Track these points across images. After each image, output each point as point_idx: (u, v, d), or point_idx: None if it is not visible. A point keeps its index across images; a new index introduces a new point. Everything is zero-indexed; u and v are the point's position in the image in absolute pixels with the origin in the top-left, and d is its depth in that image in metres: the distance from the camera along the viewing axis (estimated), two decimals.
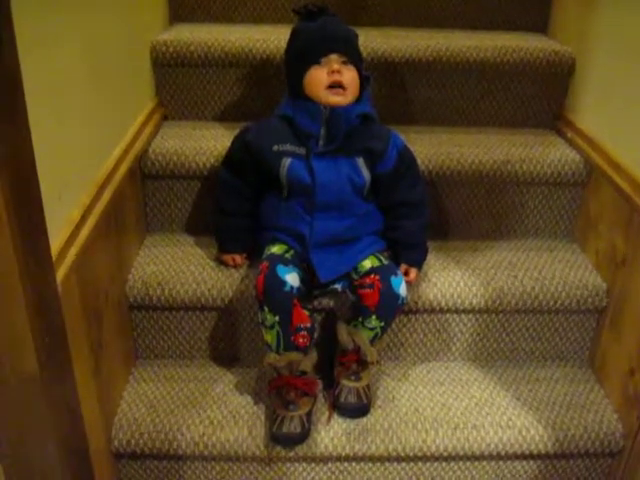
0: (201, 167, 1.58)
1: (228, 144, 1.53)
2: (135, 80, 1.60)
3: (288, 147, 1.40)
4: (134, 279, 1.48)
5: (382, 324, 1.37)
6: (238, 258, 1.51)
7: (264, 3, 1.91)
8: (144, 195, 1.63)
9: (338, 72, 1.36)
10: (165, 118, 1.77)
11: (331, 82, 1.36)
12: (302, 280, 1.37)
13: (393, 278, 1.36)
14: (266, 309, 1.32)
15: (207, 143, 1.62)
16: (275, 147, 1.40)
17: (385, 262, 1.40)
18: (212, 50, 1.69)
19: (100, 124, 1.32)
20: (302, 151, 1.39)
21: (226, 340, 1.55)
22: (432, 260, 1.58)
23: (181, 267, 1.53)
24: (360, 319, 1.37)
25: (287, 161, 1.39)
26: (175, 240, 1.65)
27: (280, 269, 1.32)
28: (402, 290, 1.36)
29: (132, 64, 1.57)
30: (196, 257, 1.58)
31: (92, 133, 1.27)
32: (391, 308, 1.38)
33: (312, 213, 1.40)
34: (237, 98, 1.75)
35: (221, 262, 1.53)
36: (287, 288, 1.31)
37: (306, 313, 1.36)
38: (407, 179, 1.45)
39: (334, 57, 1.37)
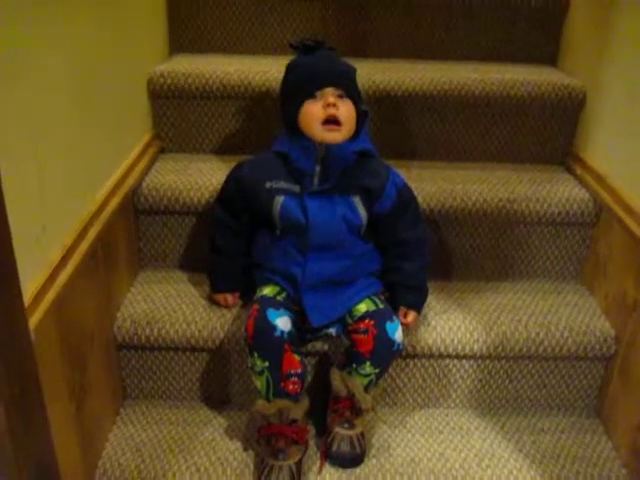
0: (196, 203, 1.54)
1: (224, 178, 1.48)
2: (130, 113, 1.56)
3: (282, 184, 1.36)
4: (123, 318, 1.44)
5: (377, 371, 1.32)
6: (230, 298, 1.46)
7: (266, 34, 1.87)
8: (138, 230, 1.59)
9: (334, 105, 1.32)
10: (162, 150, 1.73)
11: (327, 116, 1.32)
12: (294, 324, 1.32)
13: (388, 324, 1.30)
14: (255, 354, 1.27)
15: (203, 178, 1.58)
16: (268, 184, 1.36)
17: (381, 306, 1.34)
18: (210, 82, 1.65)
19: (88, 160, 1.28)
20: (296, 189, 1.35)
21: (217, 382, 1.49)
22: (432, 302, 1.52)
23: (172, 306, 1.48)
24: (354, 365, 1.32)
25: (280, 199, 1.34)
26: (168, 277, 1.60)
27: (270, 313, 1.28)
28: (398, 336, 1.31)
29: (127, 96, 1.54)
30: (188, 295, 1.53)
31: (78, 170, 1.23)
32: (386, 355, 1.32)
33: (305, 254, 1.35)
34: (235, 131, 1.71)
35: (213, 301, 1.48)
36: (277, 333, 1.26)
37: (297, 358, 1.31)
38: (407, 218, 1.40)
39: (330, 90, 1.33)
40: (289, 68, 1.41)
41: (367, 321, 1.31)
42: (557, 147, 1.75)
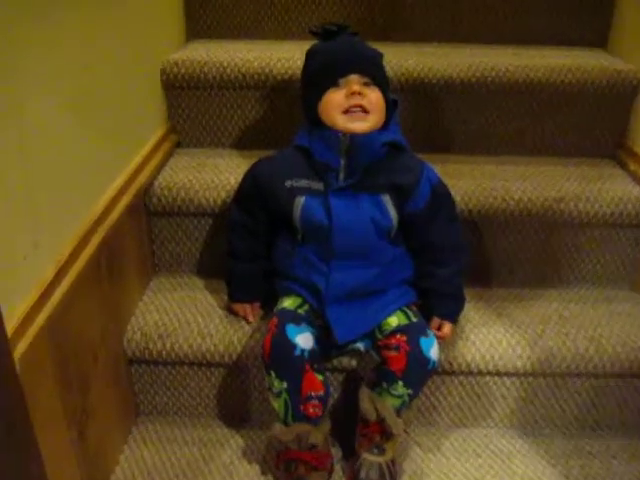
0: (212, 203, 1.42)
1: (241, 175, 1.37)
2: (142, 105, 1.44)
3: (303, 183, 1.23)
4: (133, 330, 1.33)
5: (410, 391, 1.19)
6: (249, 308, 1.34)
7: (289, 18, 1.74)
8: (150, 233, 1.47)
9: (359, 94, 1.19)
10: (178, 144, 1.60)
11: (350, 106, 1.19)
12: (317, 340, 1.20)
13: (423, 339, 1.17)
14: (273, 374, 1.16)
15: (220, 176, 1.46)
16: (288, 182, 1.23)
17: (414, 319, 1.21)
18: (228, 71, 1.52)
19: (92, 160, 1.17)
20: (319, 187, 1.22)
21: (234, 399, 1.37)
22: (470, 312, 1.38)
23: (187, 316, 1.37)
24: (385, 385, 1.19)
25: (301, 200, 1.22)
26: (183, 283, 1.49)
27: (290, 329, 1.16)
28: (433, 353, 1.18)
29: (138, 88, 1.42)
30: (204, 305, 1.41)
31: (76, 172, 1.11)
32: (420, 374, 1.19)
33: (329, 262, 1.22)
34: (256, 123, 1.58)
35: (231, 312, 1.35)
36: (297, 352, 1.14)
37: (319, 379, 1.19)
38: (442, 219, 1.27)
39: (354, 78, 1.21)
40: (309, 54, 1.29)
41: (399, 336, 1.18)
42: (608, 139, 1.60)
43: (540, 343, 1.32)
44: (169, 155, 1.55)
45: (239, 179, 1.37)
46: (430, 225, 1.26)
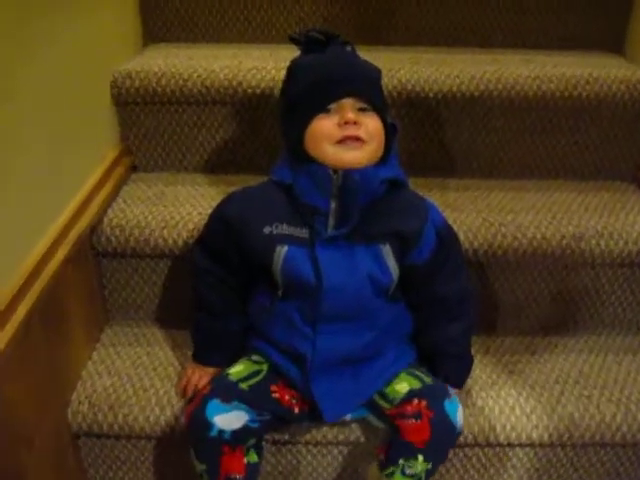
0: (171, 244, 1.19)
1: (208, 210, 1.16)
2: (88, 126, 1.22)
3: (285, 229, 1.02)
4: (79, 400, 1.12)
5: (429, 466, 0.98)
6: (205, 377, 1.11)
7: (262, 19, 1.50)
8: (100, 277, 1.25)
9: (354, 123, 0.98)
10: (135, 168, 1.37)
11: (344, 137, 0.98)
12: (261, 421, 1.01)
13: (447, 402, 0.98)
14: (192, 453, 0.99)
15: (181, 209, 1.24)
16: (267, 229, 1.02)
17: (427, 380, 1.02)
18: (190, 84, 1.29)
19: (21, 203, 0.95)
20: (304, 234, 1.01)
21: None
22: (477, 368, 1.19)
23: (143, 381, 1.16)
24: (401, 461, 0.98)
25: (282, 250, 1.01)
26: (140, 335, 1.27)
27: (212, 406, 0.97)
28: (460, 418, 0.99)
29: (83, 105, 1.19)
30: (164, 364, 1.20)
31: (3, 223, 0.91)
32: (446, 444, 1.01)
33: (315, 325, 1.02)
34: (224, 143, 1.36)
35: (189, 375, 1.14)
36: (214, 433, 0.97)
37: (245, 461, 1.00)
38: (447, 269, 1.07)
39: (349, 102, 0.99)
40: (291, 71, 1.07)
41: (416, 402, 0.98)
42: (628, 160, 1.40)
43: (559, 409, 1.13)
44: (122, 183, 1.32)
45: (204, 214, 1.18)
46: (434, 276, 1.06)
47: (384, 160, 1.03)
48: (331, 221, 1.00)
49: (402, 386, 1.02)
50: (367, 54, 1.33)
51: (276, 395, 1.03)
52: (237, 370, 1.04)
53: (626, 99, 1.33)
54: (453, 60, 1.40)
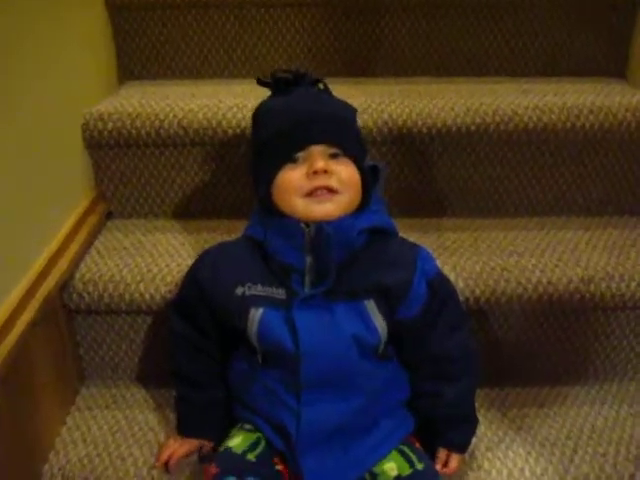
0: (148, 299, 1.10)
1: (188, 261, 1.09)
2: (57, 173, 1.13)
3: (259, 289, 0.93)
4: (52, 472, 1.04)
5: None
6: (185, 446, 1.02)
7: (242, 51, 1.42)
8: (73, 335, 1.16)
9: (324, 172, 0.89)
10: (109, 214, 1.28)
11: (313, 188, 0.90)
12: None
13: None
14: None
15: (159, 260, 1.15)
16: (239, 289, 0.94)
17: (419, 466, 0.93)
18: (166, 125, 1.21)
19: None
20: (281, 295, 0.93)
21: None
22: (482, 425, 1.09)
23: (121, 448, 1.07)
24: None
25: (258, 313, 0.92)
26: (119, 396, 1.18)
27: None
28: None
29: (51, 149, 1.11)
30: (144, 429, 1.12)
31: None
32: None
33: (299, 394, 0.92)
34: (203, 187, 1.28)
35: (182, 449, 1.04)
36: None
37: None
38: (443, 323, 0.97)
39: (318, 149, 0.91)
40: (256, 117, 0.99)
41: None
42: (638, 193, 1.30)
43: (572, 470, 1.04)
44: (96, 232, 1.24)
45: (183, 265, 1.11)
46: (429, 332, 0.97)
47: (363, 208, 0.94)
48: (308, 279, 0.92)
49: (390, 467, 0.93)
50: (354, 87, 1.27)
51: (279, 468, 0.94)
52: (237, 443, 0.95)
53: (632, 128, 1.25)
54: (447, 91, 1.31)
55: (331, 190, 0.91)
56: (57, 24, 1.12)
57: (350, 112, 0.98)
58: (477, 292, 1.11)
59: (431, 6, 1.39)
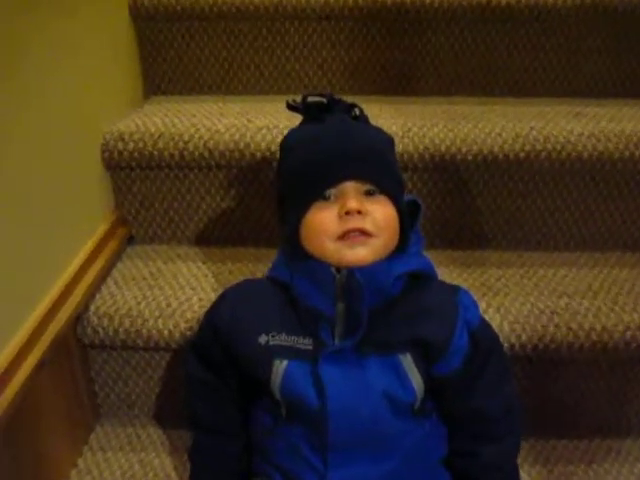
0: (167, 336, 1.02)
1: (211, 294, 1.03)
2: (74, 196, 1.06)
3: (284, 339, 0.85)
4: None
5: None
6: None
7: (274, 67, 1.34)
8: (87, 370, 1.09)
9: (358, 212, 0.80)
10: (131, 239, 1.20)
11: (346, 231, 0.80)
12: None
13: None
14: None
15: (179, 293, 1.08)
16: (262, 338, 0.85)
17: None
18: (191, 146, 1.13)
19: None
20: (307, 345, 0.84)
21: None
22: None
23: None
24: None
25: (282, 365, 0.84)
26: (134, 436, 1.11)
27: None
28: None
29: (69, 169, 1.04)
30: (159, 475, 1.05)
31: None
32: None
33: (325, 455, 0.84)
34: (230, 212, 1.20)
35: None
36: None
37: None
38: (486, 379, 0.87)
39: (351, 186, 0.82)
40: (283, 148, 0.90)
41: None
42: None
43: None
44: (115, 258, 1.16)
45: (205, 300, 1.05)
46: (470, 389, 0.87)
47: (401, 250, 0.85)
48: (339, 329, 0.83)
49: None
50: (393, 107, 1.18)
51: None
52: None
53: None
54: (493, 114, 1.22)
55: (365, 233, 0.81)
56: (77, 34, 1.05)
57: (387, 143, 0.90)
58: (524, 338, 1.01)
59: (477, 20, 1.29)
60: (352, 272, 0.81)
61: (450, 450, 0.92)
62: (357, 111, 0.91)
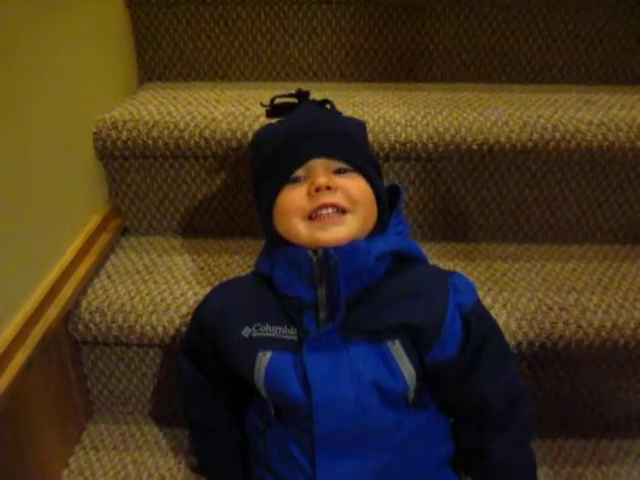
0: (160, 332, 0.99)
1: (207, 289, 0.99)
2: (65, 186, 1.02)
3: (267, 330, 0.82)
4: None
5: None
6: None
7: (272, 52, 1.29)
8: (80, 366, 1.05)
9: (328, 188, 0.77)
10: (125, 230, 1.16)
11: (316, 207, 0.78)
12: None
13: None
14: None
15: (174, 287, 1.04)
16: (246, 330, 0.82)
17: None
18: (186, 135, 1.08)
19: None
20: (292, 335, 0.81)
21: None
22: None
23: None
24: None
25: (265, 357, 0.81)
26: (128, 434, 1.07)
27: None
28: None
29: (59, 158, 1.00)
30: (153, 476, 1.00)
31: None
32: None
33: (313, 452, 0.80)
34: (227, 203, 1.16)
35: None
36: None
37: None
38: (485, 363, 0.82)
39: (319, 163, 0.80)
40: (254, 143, 0.89)
41: None
42: None
43: None
44: (108, 250, 1.12)
45: (200, 294, 1.01)
46: (468, 376, 0.82)
47: (381, 231, 0.82)
48: (322, 315, 0.80)
49: None
50: (396, 94, 1.15)
51: None
52: None
53: None
54: (499, 101, 1.18)
55: (338, 209, 0.79)
56: (68, 18, 1.01)
57: (356, 126, 0.88)
58: (531, 335, 0.98)
59: (483, 4, 1.25)
60: (328, 251, 0.77)
61: (456, 448, 0.88)
62: (328, 106, 0.90)
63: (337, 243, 0.78)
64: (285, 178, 0.81)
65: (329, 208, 0.79)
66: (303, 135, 0.82)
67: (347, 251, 0.78)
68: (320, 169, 0.80)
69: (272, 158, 0.83)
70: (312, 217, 0.79)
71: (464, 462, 0.88)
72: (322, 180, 0.78)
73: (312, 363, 0.79)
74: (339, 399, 0.78)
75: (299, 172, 0.80)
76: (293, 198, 0.80)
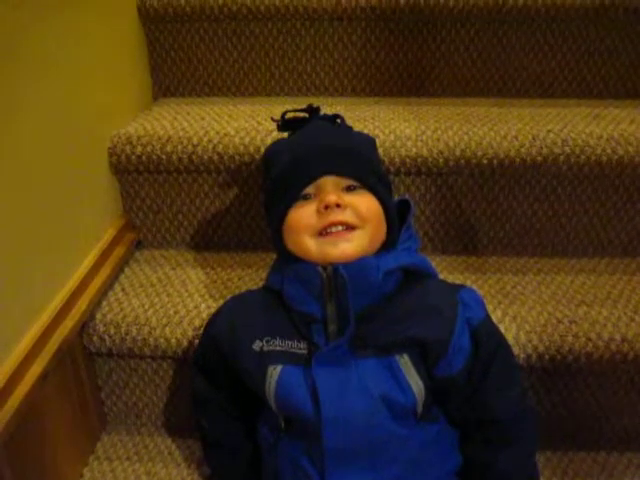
0: (174, 345, 1.00)
1: (220, 301, 1.00)
2: (80, 200, 1.04)
3: (278, 344, 0.83)
4: None
5: None
6: None
7: (285, 67, 1.31)
8: (94, 378, 1.07)
9: (337, 205, 0.79)
10: (139, 244, 1.18)
11: (326, 225, 0.80)
12: None
13: None
14: None
15: (188, 300, 1.06)
16: (257, 344, 0.84)
17: None
18: (200, 150, 1.10)
19: None
20: (302, 349, 0.82)
21: None
22: None
23: None
24: None
25: (276, 371, 0.82)
26: (142, 446, 1.09)
27: None
28: None
29: (75, 173, 1.02)
30: None
31: None
32: None
33: (323, 467, 0.81)
34: (240, 217, 1.17)
35: None
36: None
37: None
38: (492, 378, 0.83)
39: (329, 181, 0.81)
40: (264, 160, 0.91)
41: None
42: None
43: None
44: (123, 264, 1.14)
45: (213, 307, 1.03)
46: (476, 391, 0.84)
47: (390, 247, 0.83)
48: (332, 330, 0.81)
49: None
50: (407, 108, 1.16)
51: None
52: None
53: None
54: (509, 116, 1.19)
55: (348, 227, 0.80)
56: (84, 34, 1.03)
57: (367, 142, 0.90)
58: (541, 348, 0.98)
59: (493, 21, 1.26)
60: (337, 268, 0.78)
61: (463, 461, 0.88)
62: (339, 121, 0.91)
63: (346, 258, 0.79)
64: (295, 196, 0.82)
65: (338, 225, 0.80)
66: (313, 153, 0.83)
67: (356, 268, 0.79)
68: (330, 187, 0.81)
69: (281, 177, 0.84)
70: (322, 234, 0.80)
71: (469, 473, 0.88)
72: (332, 198, 0.79)
73: (321, 378, 0.80)
74: (348, 414, 0.79)
75: (309, 189, 0.82)
76: (303, 216, 0.81)
